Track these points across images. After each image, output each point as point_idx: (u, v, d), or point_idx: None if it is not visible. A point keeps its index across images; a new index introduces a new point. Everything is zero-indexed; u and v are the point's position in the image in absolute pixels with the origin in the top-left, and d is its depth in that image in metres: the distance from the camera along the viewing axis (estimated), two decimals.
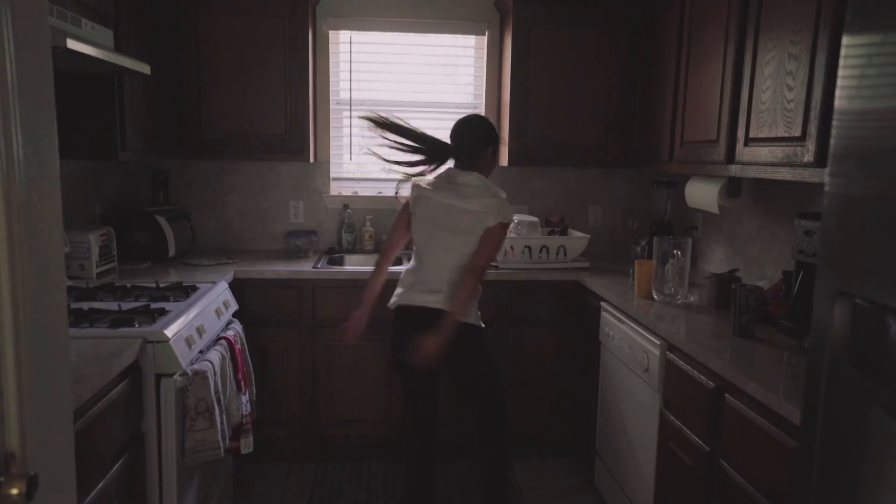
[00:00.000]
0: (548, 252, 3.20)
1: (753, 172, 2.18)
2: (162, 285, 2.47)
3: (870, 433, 1.03)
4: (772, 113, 2.05)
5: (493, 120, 3.57)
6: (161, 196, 3.39)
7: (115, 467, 1.67)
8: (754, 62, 2.16)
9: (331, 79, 3.52)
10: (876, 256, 1.07)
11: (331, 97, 3.53)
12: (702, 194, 2.77)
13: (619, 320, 2.57)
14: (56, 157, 1.08)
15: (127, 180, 3.43)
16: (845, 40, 1.16)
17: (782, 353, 1.92)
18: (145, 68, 2.34)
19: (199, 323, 2.17)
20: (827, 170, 1.22)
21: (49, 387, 1.01)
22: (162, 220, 3.08)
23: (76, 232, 2.62)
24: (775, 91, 2.04)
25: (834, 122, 1.20)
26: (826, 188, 1.23)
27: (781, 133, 2.00)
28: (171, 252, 3.09)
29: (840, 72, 1.18)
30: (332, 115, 3.55)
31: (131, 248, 3.05)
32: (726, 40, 2.33)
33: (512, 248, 3.15)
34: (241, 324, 2.67)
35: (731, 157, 2.32)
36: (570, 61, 3.27)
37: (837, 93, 1.19)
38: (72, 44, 1.78)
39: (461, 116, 2.46)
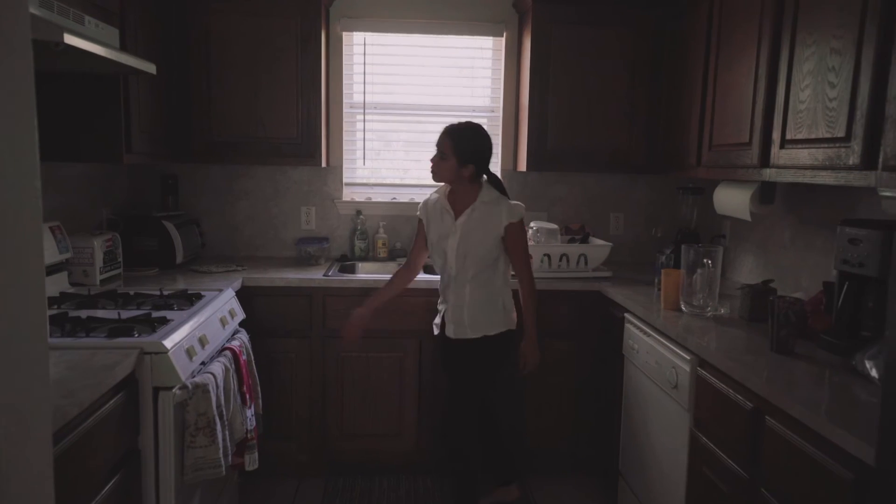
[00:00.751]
0: (568, 260, 3.07)
1: (790, 177, 2.04)
2: (166, 293, 2.37)
3: None
4: (811, 112, 1.91)
5: (511, 123, 3.49)
6: (170, 201, 3.30)
7: (107, 486, 1.56)
8: (791, 59, 2.02)
9: (344, 81, 3.42)
10: None
11: (344, 100, 3.43)
12: (732, 200, 2.63)
13: (645, 333, 2.43)
14: (35, 158, 0.98)
15: (136, 185, 3.35)
16: None
17: (825, 372, 1.77)
18: (151, 68, 2.25)
19: (202, 333, 2.06)
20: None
21: (23, 405, 0.90)
22: (170, 226, 2.99)
23: (80, 237, 2.53)
24: (815, 89, 1.90)
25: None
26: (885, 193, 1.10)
27: (823, 134, 1.86)
28: (179, 258, 3.00)
29: None
30: (345, 119, 3.45)
31: (138, 255, 2.96)
32: (760, 36, 2.20)
33: (530, 256, 3.02)
34: (249, 333, 2.57)
35: (765, 161, 2.18)
36: (592, 62, 3.14)
37: None
38: (70, 39, 1.69)
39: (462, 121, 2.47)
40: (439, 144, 2.41)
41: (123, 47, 2.36)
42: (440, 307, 2.54)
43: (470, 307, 2.43)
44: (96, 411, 1.50)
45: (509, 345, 2.51)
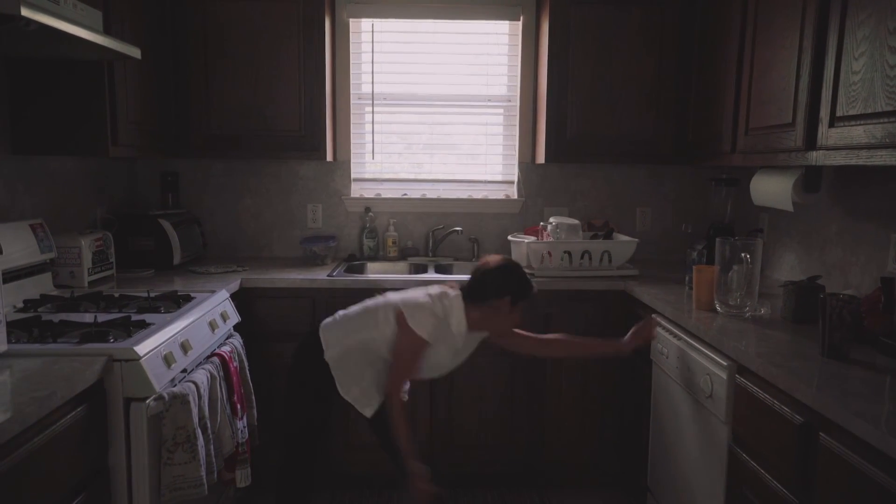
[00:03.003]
0: (590, 258, 2.84)
1: (841, 159, 1.79)
2: (153, 295, 2.20)
3: None
4: (868, 83, 1.67)
5: (529, 113, 3.27)
6: (170, 199, 3.16)
7: None
8: (843, 25, 1.78)
9: (351, 71, 3.24)
10: None
11: (351, 91, 3.25)
12: (772, 189, 2.38)
13: (675, 336, 2.20)
14: None
15: (135, 183, 3.21)
16: None
17: (886, 379, 1.53)
18: (135, 52, 2.09)
19: (185, 338, 1.89)
20: None
21: None
22: (167, 225, 2.83)
23: (65, 236, 2.38)
24: (872, 57, 1.66)
25: None
26: None
27: (882, 107, 1.62)
28: (177, 259, 2.85)
29: None
30: (352, 111, 3.27)
31: (134, 255, 2.81)
32: (805, 4, 1.95)
33: (550, 253, 2.81)
34: (248, 338, 2.40)
35: (811, 143, 1.94)
36: (615, 45, 2.91)
37: None
38: (33, 14, 1.53)
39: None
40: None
41: (108, 31, 2.20)
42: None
43: None
44: (49, 427, 1.33)
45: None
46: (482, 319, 2.07)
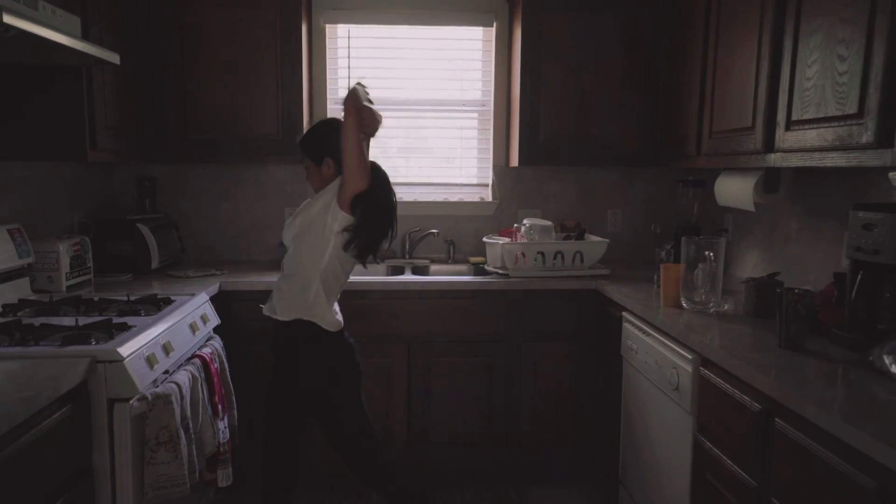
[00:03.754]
0: (563, 258, 2.92)
1: (797, 160, 1.89)
2: (133, 298, 2.23)
3: None
4: (820, 89, 1.77)
5: (503, 117, 3.34)
6: (147, 204, 3.17)
7: None
8: (796, 33, 1.88)
9: (328, 76, 3.28)
10: None
11: (328, 95, 3.29)
12: (734, 190, 2.48)
13: (644, 332, 2.28)
14: None
15: (112, 188, 3.22)
16: None
17: (838, 368, 1.62)
18: (114, 57, 2.12)
19: (167, 340, 1.92)
20: None
21: None
22: (144, 229, 2.85)
23: (43, 241, 2.39)
24: (823, 64, 1.76)
25: None
26: None
27: (832, 112, 1.72)
28: (155, 263, 2.86)
29: None
30: (328, 115, 3.31)
31: (112, 260, 2.82)
32: (762, 12, 2.05)
33: (524, 254, 2.88)
34: (227, 340, 2.43)
35: (769, 146, 2.03)
36: (586, 50, 3.00)
37: None
38: (10, 19, 1.56)
39: None
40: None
41: (86, 37, 2.23)
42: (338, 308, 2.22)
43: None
44: (35, 427, 1.36)
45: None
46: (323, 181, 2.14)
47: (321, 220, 2.04)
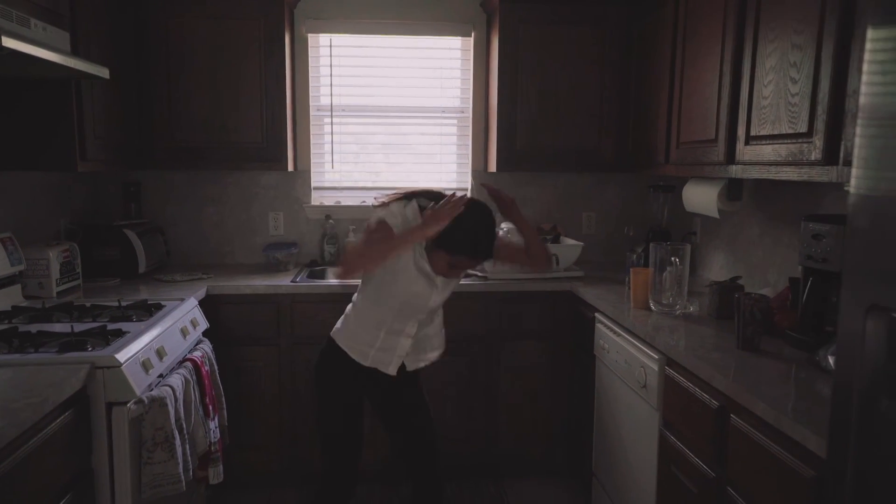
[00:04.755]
0: None
1: (755, 173, 2.03)
2: (124, 304, 2.30)
3: None
4: (775, 108, 1.90)
5: (481, 124, 3.45)
6: (133, 209, 3.23)
7: None
8: (755, 54, 2.01)
9: (311, 84, 3.37)
10: None
11: (311, 103, 3.38)
12: (700, 198, 2.62)
13: (615, 332, 2.41)
14: None
15: (97, 193, 3.27)
16: (871, 34, 1.03)
17: (791, 368, 1.76)
18: (104, 72, 2.19)
19: (160, 345, 2.00)
20: (853, 170, 1.07)
21: None
22: (131, 235, 2.91)
23: (34, 248, 2.45)
24: (778, 85, 1.89)
25: (859, 121, 1.06)
26: (852, 188, 1.08)
27: (785, 129, 1.85)
28: (142, 268, 2.93)
29: (865, 67, 1.05)
30: (312, 122, 3.40)
31: (99, 265, 2.88)
32: (724, 32, 2.19)
33: None
34: (215, 343, 2.51)
35: (730, 158, 2.17)
36: (561, 62, 3.12)
37: (863, 89, 1.06)
38: (9, 42, 1.63)
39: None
40: (470, 266, 2.06)
41: (75, 51, 2.29)
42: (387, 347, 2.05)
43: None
44: (40, 431, 1.44)
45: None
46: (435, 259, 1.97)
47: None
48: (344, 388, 2.08)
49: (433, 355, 2.16)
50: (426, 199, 2.03)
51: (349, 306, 2.13)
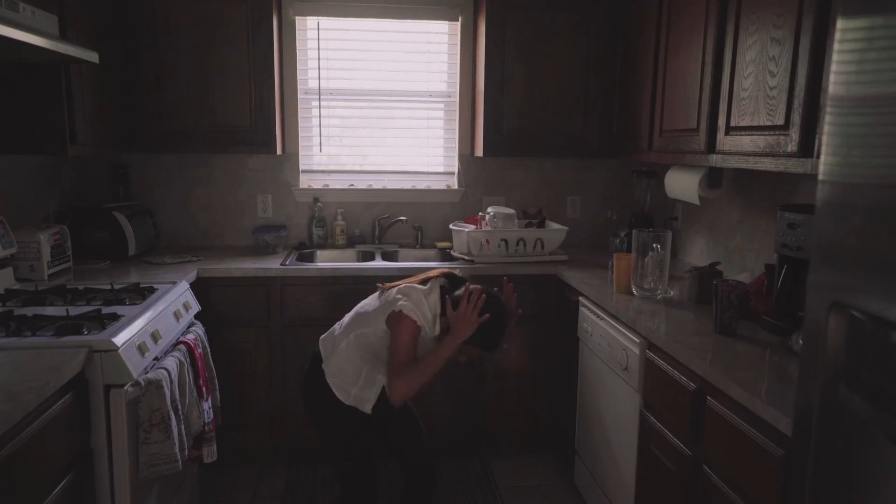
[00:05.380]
0: (525, 245, 3.11)
1: (734, 163, 2.09)
2: (117, 287, 2.33)
3: (869, 457, 0.95)
4: (754, 100, 1.97)
5: (468, 109, 3.49)
6: (121, 191, 3.23)
7: (56, 489, 1.55)
8: (735, 47, 2.07)
9: (298, 67, 3.37)
10: (879, 258, 0.97)
11: (298, 86, 3.39)
12: (682, 185, 2.69)
13: (598, 316, 2.49)
14: None
15: (85, 175, 3.27)
16: (841, 24, 1.07)
17: (765, 352, 1.84)
18: (93, 56, 2.19)
19: (155, 328, 2.04)
20: (821, 159, 1.12)
21: None
22: (121, 217, 2.93)
23: (24, 231, 2.47)
24: (757, 78, 1.95)
25: (828, 109, 1.11)
26: (820, 177, 1.13)
27: (764, 122, 1.91)
28: (132, 250, 2.95)
29: (835, 56, 1.09)
30: (300, 105, 3.41)
31: (89, 247, 2.90)
32: (706, 24, 2.24)
33: (488, 241, 3.06)
34: (206, 325, 2.55)
35: (711, 147, 2.23)
36: (547, 47, 3.16)
37: (832, 78, 1.09)
38: (1, 29, 1.64)
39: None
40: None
41: (63, 35, 2.29)
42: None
43: None
44: (42, 413, 1.48)
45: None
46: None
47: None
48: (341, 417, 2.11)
49: None
50: (445, 281, 2.13)
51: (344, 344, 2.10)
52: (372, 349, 2.06)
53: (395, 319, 1.98)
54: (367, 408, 2.08)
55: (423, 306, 2.01)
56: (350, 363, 2.06)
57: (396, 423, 2.24)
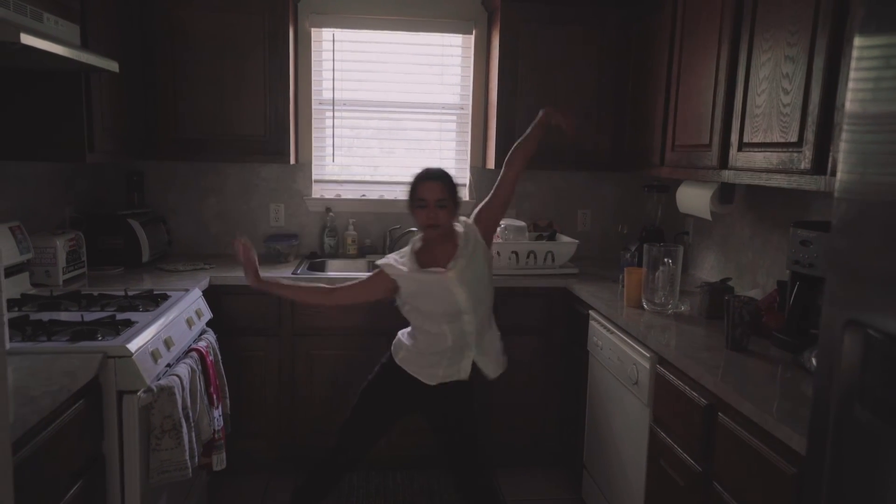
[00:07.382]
0: (535, 258, 3.11)
1: (747, 179, 2.10)
2: (131, 293, 2.35)
3: (884, 476, 0.94)
4: (767, 117, 1.97)
5: (480, 121, 3.50)
6: (136, 198, 3.27)
7: (68, 494, 1.56)
8: (749, 64, 2.08)
9: (313, 78, 3.41)
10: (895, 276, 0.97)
11: (313, 97, 3.42)
12: (694, 200, 2.69)
13: (608, 330, 2.48)
14: None
15: (100, 182, 3.30)
16: (858, 41, 1.07)
17: (777, 369, 1.84)
18: (113, 66, 2.23)
19: (168, 335, 2.06)
20: (837, 176, 1.13)
21: None
22: (135, 224, 2.96)
23: (41, 237, 2.50)
24: (771, 95, 1.95)
25: (845, 127, 1.11)
26: (836, 195, 1.13)
27: (777, 138, 1.92)
28: (146, 257, 2.98)
29: (852, 74, 1.10)
30: (314, 116, 3.44)
31: (103, 254, 2.93)
32: (720, 41, 2.25)
33: (498, 253, 3.06)
34: (217, 332, 2.57)
35: (723, 163, 2.23)
36: (560, 61, 3.17)
37: (849, 96, 1.10)
38: (27, 39, 1.67)
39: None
40: (431, 193, 2.11)
41: (84, 44, 2.32)
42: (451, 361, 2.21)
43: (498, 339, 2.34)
44: (57, 418, 1.50)
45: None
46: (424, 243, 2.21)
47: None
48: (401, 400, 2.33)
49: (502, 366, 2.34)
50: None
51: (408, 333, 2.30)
52: (413, 322, 2.24)
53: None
54: (464, 374, 2.21)
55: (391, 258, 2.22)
56: (423, 356, 2.22)
57: (457, 424, 2.30)
